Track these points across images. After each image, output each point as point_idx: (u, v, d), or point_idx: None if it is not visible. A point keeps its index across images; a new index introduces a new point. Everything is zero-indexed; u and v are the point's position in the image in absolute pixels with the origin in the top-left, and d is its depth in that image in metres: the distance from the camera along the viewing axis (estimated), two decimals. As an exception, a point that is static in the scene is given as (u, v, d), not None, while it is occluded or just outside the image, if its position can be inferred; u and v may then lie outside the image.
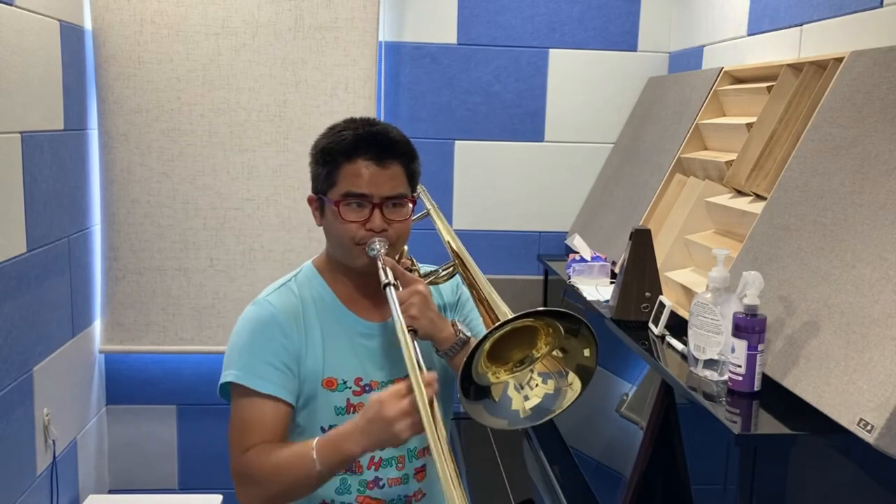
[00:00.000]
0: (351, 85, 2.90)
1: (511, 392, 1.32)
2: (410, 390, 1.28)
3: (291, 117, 2.90)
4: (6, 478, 2.22)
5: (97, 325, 2.94)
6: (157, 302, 2.93)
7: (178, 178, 2.88)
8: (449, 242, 1.64)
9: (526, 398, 1.32)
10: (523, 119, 3.10)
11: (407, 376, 1.48)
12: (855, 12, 1.83)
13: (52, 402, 2.50)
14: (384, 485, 1.55)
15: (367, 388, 1.53)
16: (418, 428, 1.28)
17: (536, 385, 1.32)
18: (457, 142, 3.09)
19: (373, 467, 1.54)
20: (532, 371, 1.32)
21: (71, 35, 2.63)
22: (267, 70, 2.87)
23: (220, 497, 2.78)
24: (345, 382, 1.52)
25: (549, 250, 3.16)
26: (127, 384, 3.04)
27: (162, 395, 3.06)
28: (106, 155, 2.85)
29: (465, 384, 1.26)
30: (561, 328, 1.29)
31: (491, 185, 3.12)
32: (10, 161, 2.20)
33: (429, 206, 1.79)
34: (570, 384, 1.31)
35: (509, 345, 1.30)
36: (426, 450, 1.59)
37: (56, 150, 2.51)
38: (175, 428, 3.09)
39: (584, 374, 1.30)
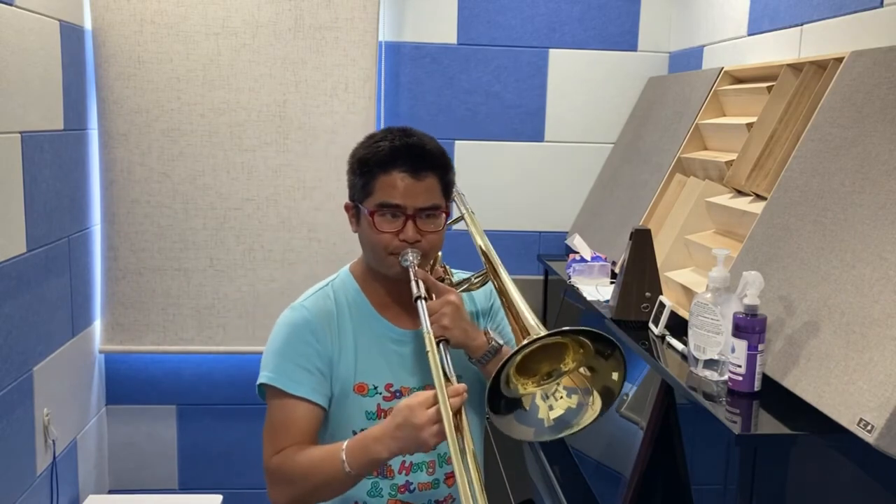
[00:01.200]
0: (351, 85, 2.90)
1: (538, 401, 1.34)
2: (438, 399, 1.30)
3: (291, 117, 2.90)
4: (6, 478, 2.22)
5: (97, 325, 2.94)
6: (157, 302, 2.93)
7: (178, 178, 2.88)
8: (482, 248, 1.65)
9: (551, 408, 1.34)
10: (523, 119, 3.10)
11: None
12: (855, 12, 1.83)
13: (52, 402, 2.50)
14: (414, 489, 1.57)
15: (397, 394, 1.55)
16: (445, 437, 1.29)
17: (561, 397, 1.34)
18: (457, 142, 3.09)
19: (404, 472, 1.56)
20: (559, 384, 1.34)
21: (71, 35, 2.63)
22: (267, 70, 2.87)
23: (220, 497, 2.78)
24: (375, 388, 1.55)
25: (549, 250, 3.16)
26: (127, 384, 3.04)
27: (162, 395, 3.06)
28: (106, 155, 2.85)
29: (492, 398, 1.28)
30: (592, 347, 1.30)
31: (491, 185, 3.12)
32: (10, 161, 2.20)
33: (463, 211, 1.82)
34: (592, 403, 1.33)
35: (537, 357, 1.32)
36: None
37: (56, 150, 2.51)
38: (175, 428, 3.09)
39: (608, 397, 1.32)
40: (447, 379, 1.31)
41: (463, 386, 1.31)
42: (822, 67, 1.83)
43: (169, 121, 2.86)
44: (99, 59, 2.81)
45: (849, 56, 1.70)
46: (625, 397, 2.00)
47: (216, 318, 2.95)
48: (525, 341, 1.26)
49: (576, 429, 1.33)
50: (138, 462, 3.08)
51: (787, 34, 2.14)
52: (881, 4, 1.74)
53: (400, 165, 1.49)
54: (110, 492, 3.07)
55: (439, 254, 1.63)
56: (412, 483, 1.57)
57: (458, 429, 1.27)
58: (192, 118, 2.86)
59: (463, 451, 1.23)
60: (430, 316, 1.43)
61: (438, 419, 1.28)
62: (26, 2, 2.28)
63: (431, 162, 1.52)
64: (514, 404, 1.32)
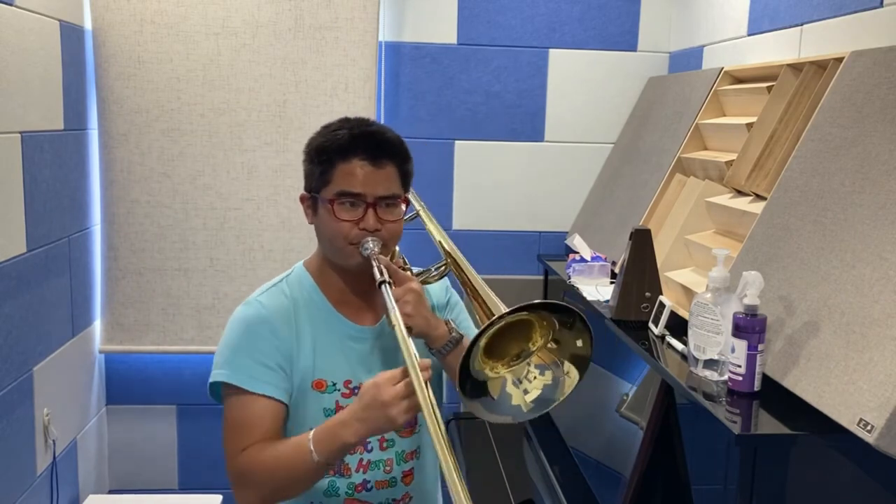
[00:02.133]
0: (351, 85, 2.90)
1: (510, 388, 1.32)
2: (404, 375, 1.28)
3: (291, 117, 2.90)
4: (6, 478, 2.22)
5: (97, 325, 2.94)
6: (157, 302, 2.93)
7: (178, 178, 2.88)
8: (440, 242, 1.65)
9: (526, 392, 1.32)
10: (523, 119, 3.10)
11: None
12: (855, 12, 1.83)
13: (52, 402, 2.50)
14: (372, 487, 1.55)
15: (355, 391, 1.53)
16: (413, 411, 1.28)
17: (535, 378, 1.32)
18: (457, 142, 3.09)
19: (361, 470, 1.55)
20: (529, 364, 1.33)
21: (71, 35, 2.63)
22: (267, 70, 2.87)
23: (219, 497, 2.78)
24: (334, 384, 1.53)
25: (549, 250, 3.16)
26: (127, 384, 3.04)
27: (162, 395, 3.06)
28: (106, 155, 2.85)
29: (463, 381, 1.26)
30: (555, 321, 1.29)
31: (491, 185, 3.12)
32: (10, 161, 2.20)
33: (418, 208, 1.80)
34: (567, 373, 1.31)
35: (505, 339, 1.31)
36: (414, 453, 1.61)
37: (56, 150, 2.51)
38: (175, 428, 3.09)
39: (580, 363, 1.30)
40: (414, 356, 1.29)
41: (427, 361, 1.30)
42: (822, 67, 1.83)
43: (169, 121, 2.86)
44: (99, 59, 2.81)
45: (849, 56, 1.70)
46: (625, 397, 2.00)
47: (216, 318, 2.95)
48: (497, 315, 1.25)
49: (560, 400, 1.32)
50: (138, 462, 3.08)
51: (787, 34, 2.14)
52: (881, 4, 1.74)
53: (360, 153, 1.47)
54: (110, 492, 3.07)
55: (397, 248, 1.61)
56: (369, 481, 1.55)
57: (430, 402, 1.25)
58: (192, 118, 2.86)
59: (438, 423, 1.22)
60: None
61: (406, 394, 1.27)
62: (26, 2, 2.28)
63: (391, 150, 1.50)
64: (483, 390, 1.31)
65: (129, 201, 2.88)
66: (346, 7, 2.87)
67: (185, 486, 3.12)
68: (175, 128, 2.86)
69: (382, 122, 2.99)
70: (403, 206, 1.54)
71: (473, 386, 1.29)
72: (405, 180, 1.54)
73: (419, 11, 3.01)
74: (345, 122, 1.53)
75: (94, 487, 2.93)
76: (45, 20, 2.42)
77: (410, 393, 1.27)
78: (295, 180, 2.92)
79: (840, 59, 1.74)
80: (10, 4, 2.18)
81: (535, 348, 1.32)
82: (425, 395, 1.24)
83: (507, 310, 1.26)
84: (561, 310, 1.27)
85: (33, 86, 2.33)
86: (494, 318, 1.25)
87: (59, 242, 2.56)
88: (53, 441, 2.49)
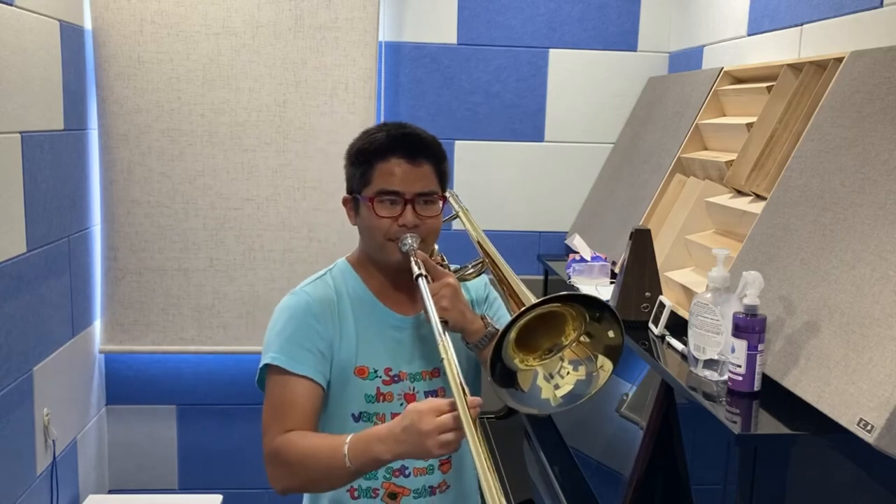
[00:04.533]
0: (351, 85, 2.90)
1: (540, 382, 1.34)
2: (451, 408, 1.27)
3: (291, 117, 2.90)
4: (6, 478, 2.22)
5: (97, 325, 2.94)
6: (157, 302, 2.93)
7: (178, 178, 2.88)
8: (479, 242, 1.70)
9: (557, 387, 1.34)
10: (523, 119, 3.10)
11: (436, 369, 1.57)
12: (855, 12, 1.83)
13: (52, 402, 2.50)
14: (409, 473, 1.58)
15: (395, 379, 1.57)
16: (450, 447, 1.28)
17: (568, 373, 1.34)
18: (457, 142, 3.09)
19: None
20: (562, 360, 1.34)
21: (71, 35, 2.63)
22: (267, 70, 2.87)
23: (220, 497, 2.78)
24: (375, 371, 1.56)
25: (549, 250, 3.16)
26: (127, 384, 3.04)
27: (162, 395, 3.06)
28: (106, 155, 2.85)
29: (493, 367, 1.28)
30: (586, 314, 1.31)
31: (491, 185, 3.12)
32: (10, 161, 2.20)
33: (458, 209, 1.86)
34: (601, 367, 1.33)
35: (538, 333, 1.33)
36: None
37: (56, 150, 2.51)
38: (175, 428, 3.09)
39: (613, 354, 1.32)
40: (463, 390, 1.28)
41: (479, 399, 1.28)
42: (822, 67, 1.83)
43: (169, 121, 2.86)
44: (99, 59, 2.81)
45: (849, 56, 1.70)
46: (624, 397, 2.00)
47: (216, 318, 2.95)
48: (527, 306, 1.26)
49: (592, 393, 1.33)
50: (138, 462, 3.08)
51: (787, 34, 2.14)
52: (881, 4, 1.74)
53: (397, 153, 1.52)
54: (110, 492, 3.07)
55: (436, 246, 1.66)
56: (407, 468, 1.57)
57: (476, 440, 1.23)
58: (192, 118, 2.86)
59: (483, 462, 1.20)
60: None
61: (445, 429, 1.27)
62: (26, 2, 2.28)
63: (427, 150, 1.55)
64: (513, 381, 1.32)
65: (129, 201, 2.88)
66: (346, 7, 2.87)
67: (185, 486, 3.12)
68: (175, 128, 2.86)
69: (382, 122, 3.02)
70: (441, 204, 1.58)
71: (503, 373, 1.30)
72: (442, 179, 1.59)
73: (419, 11, 3.01)
74: (383, 126, 1.59)
75: (94, 487, 2.93)
76: (45, 20, 2.42)
77: (452, 428, 1.26)
78: (295, 180, 2.92)
79: (840, 59, 1.74)
80: (10, 4, 2.18)
81: (567, 342, 1.34)
82: (473, 434, 1.21)
83: (538, 300, 1.28)
84: (590, 302, 1.29)
85: (33, 86, 2.33)
86: (526, 307, 1.27)
87: (59, 242, 2.56)
88: (53, 441, 2.49)
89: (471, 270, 1.68)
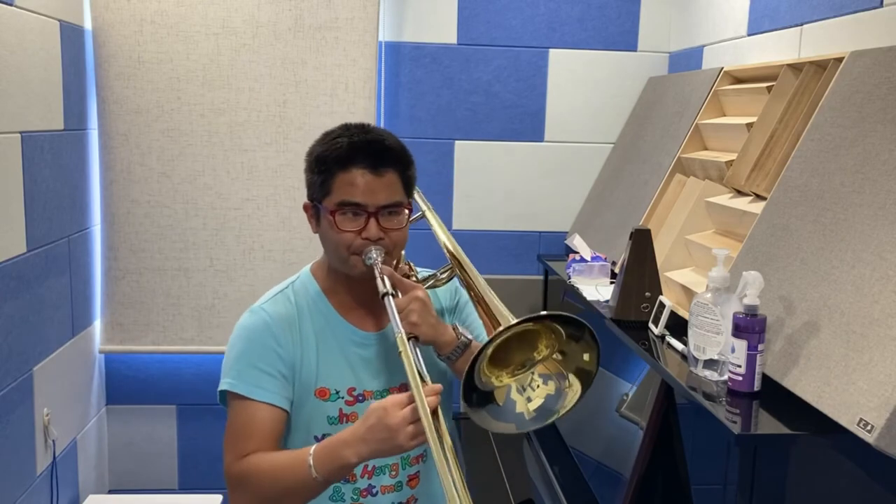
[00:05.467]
0: (351, 85, 2.90)
1: (514, 395, 1.30)
2: (413, 400, 1.26)
3: (291, 117, 2.90)
4: (6, 478, 2.22)
5: (97, 325, 2.94)
6: (157, 302, 2.93)
7: (178, 178, 2.88)
8: (445, 244, 1.62)
9: (529, 399, 1.30)
10: (523, 119, 3.10)
11: (404, 384, 1.49)
12: (855, 12, 1.83)
13: (52, 402, 2.50)
14: (377, 492, 1.55)
15: (360, 398, 1.53)
16: (420, 438, 1.25)
17: (538, 386, 1.30)
18: (457, 142, 3.09)
19: (366, 476, 1.54)
20: (533, 373, 1.31)
21: (71, 35, 2.63)
22: (267, 70, 2.87)
23: (219, 497, 2.78)
24: (337, 392, 1.52)
25: (549, 250, 3.16)
26: (127, 384, 3.04)
27: (162, 395, 3.06)
28: (106, 155, 2.85)
29: (467, 392, 1.24)
30: (563, 332, 1.27)
31: (491, 185, 3.12)
32: (10, 161, 2.20)
33: (424, 208, 1.78)
34: (570, 385, 1.29)
35: (510, 347, 1.29)
36: (420, 457, 1.59)
37: (56, 150, 2.51)
38: (175, 428, 3.09)
39: (585, 377, 1.28)
40: (422, 379, 1.26)
41: (439, 386, 1.27)
42: (822, 67, 1.83)
43: (169, 121, 2.86)
44: (99, 59, 2.81)
45: (849, 56, 1.70)
46: (625, 397, 2.00)
47: (216, 318, 2.95)
48: (501, 328, 1.22)
49: (561, 413, 1.29)
50: (138, 462, 3.08)
51: (787, 34, 2.14)
52: (881, 4, 1.74)
53: (359, 162, 1.45)
54: (110, 492, 3.07)
55: (402, 252, 1.59)
56: (374, 487, 1.54)
57: (437, 429, 1.22)
58: (192, 118, 2.86)
59: (444, 451, 1.19)
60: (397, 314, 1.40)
61: (414, 419, 1.24)
62: (26, 2, 2.28)
63: (391, 158, 1.48)
64: (488, 398, 1.28)
65: (129, 201, 2.88)
66: (346, 7, 2.87)
67: (185, 486, 3.12)
68: (175, 128, 2.86)
69: (382, 122, 3.02)
70: (407, 213, 1.52)
71: (478, 396, 1.27)
72: (408, 186, 1.52)
73: (419, 11, 3.01)
74: (344, 130, 1.51)
75: (94, 487, 2.93)
76: (45, 20, 2.42)
77: (418, 418, 1.24)
78: (295, 180, 2.92)
79: (840, 59, 1.74)
80: (10, 4, 2.18)
81: (540, 357, 1.30)
82: (432, 428, 1.20)
83: (513, 321, 1.23)
84: (569, 322, 1.25)
85: (33, 86, 2.33)
86: (499, 330, 1.23)
87: (59, 242, 2.56)
88: (53, 441, 2.49)
89: (441, 277, 1.62)
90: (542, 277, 3.13)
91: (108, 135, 2.84)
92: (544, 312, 1.25)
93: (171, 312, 2.94)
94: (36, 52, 2.35)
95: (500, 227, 3.14)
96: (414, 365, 1.29)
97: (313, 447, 1.36)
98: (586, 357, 1.27)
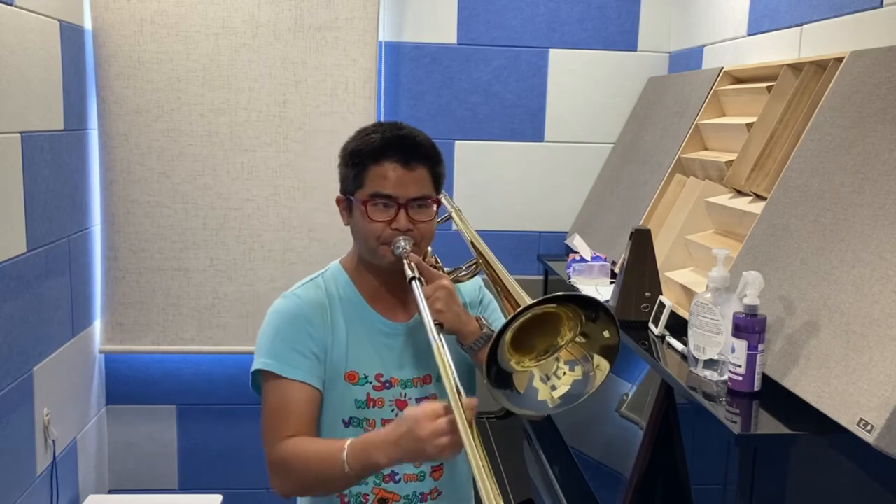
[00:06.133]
0: (351, 85, 2.90)
1: (537, 384, 1.32)
2: (447, 412, 1.27)
3: (291, 117, 2.90)
4: (6, 478, 2.22)
5: (97, 325, 2.94)
6: (157, 302, 2.93)
7: (178, 178, 2.88)
8: (472, 242, 1.67)
9: (553, 388, 1.32)
10: (523, 119, 3.10)
11: (428, 376, 1.55)
12: (855, 12, 1.83)
13: (52, 402, 2.50)
14: (400, 479, 1.57)
15: (386, 385, 1.56)
16: (448, 451, 1.27)
17: (564, 374, 1.32)
18: (457, 142, 3.09)
19: None
20: (558, 360, 1.32)
21: (71, 35, 2.63)
22: (267, 70, 2.87)
23: (220, 497, 2.78)
24: (366, 377, 1.56)
25: (549, 250, 3.16)
26: (127, 384, 3.04)
27: (162, 395, 3.06)
28: (106, 155, 2.85)
29: (489, 369, 1.26)
30: (581, 314, 1.29)
31: (491, 185, 3.12)
32: (10, 161, 2.20)
33: (451, 209, 1.84)
34: (598, 366, 1.31)
35: (533, 334, 1.31)
36: None
37: (56, 150, 2.51)
38: (175, 428, 3.09)
39: (609, 353, 1.30)
40: (459, 393, 1.27)
41: (475, 400, 1.28)
42: (822, 67, 1.83)
43: (169, 121, 2.86)
44: (99, 59, 2.81)
45: (849, 56, 1.70)
46: (625, 397, 2.00)
47: (216, 318, 2.95)
48: (522, 307, 1.24)
49: (588, 394, 1.31)
50: (138, 462, 3.08)
51: (787, 34, 2.14)
52: (881, 4, 1.74)
53: (391, 156, 1.50)
54: (110, 492, 3.07)
55: (429, 248, 1.64)
56: (397, 473, 1.57)
57: (473, 443, 1.21)
58: (192, 118, 2.86)
59: (481, 467, 1.18)
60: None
61: (443, 433, 1.26)
62: (26, 2, 2.28)
63: (422, 153, 1.53)
64: (509, 383, 1.30)
65: (129, 201, 2.88)
66: (346, 7, 2.87)
67: (185, 486, 3.12)
68: (175, 128, 2.86)
69: (378, 121, 3.01)
70: (435, 207, 1.57)
71: (499, 375, 1.28)
72: (437, 182, 1.57)
73: (419, 11, 3.01)
74: (378, 127, 1.57)
75: (94, 487, 2.93)
76: (45, 20, 2.42)
77: (450, 431, 1.26)
78: (295, 180, 2.92)
79: (840, 59, 1.74)
80: (10, 4, 2.18)
81: (563, 343, 1.32)
82: (469, 437, 1.20)
83: (533, 301, 1.26)
84: (585, 303, 1.27)
85: (33, 86, 2.33)
86: (522, 308, 1.25)
87: (59, 242, 2.56)
88: (53, 441, 2.49)
89: (465, 272, 1.67)
90: (542, 277, 3.13)
91: (108, 135, 2.84)
92: (562, 293, 1.25)
93: (171, 312, 2.94)
94: (36, 52, 2.35)
95: (500, 227, 3.14)
96: (451, 378, 1.28)
97: (348, 442, 1.38)
98: (606, 334, 1.29)
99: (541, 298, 1.26)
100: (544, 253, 3.15)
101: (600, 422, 2.09)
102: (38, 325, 2.39)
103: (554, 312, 1.30)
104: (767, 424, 1.44)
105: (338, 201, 1.61)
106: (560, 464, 2.19)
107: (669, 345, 1.84)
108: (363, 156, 1.52)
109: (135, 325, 2.93)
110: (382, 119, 3.03)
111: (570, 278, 2.49)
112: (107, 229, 2.89)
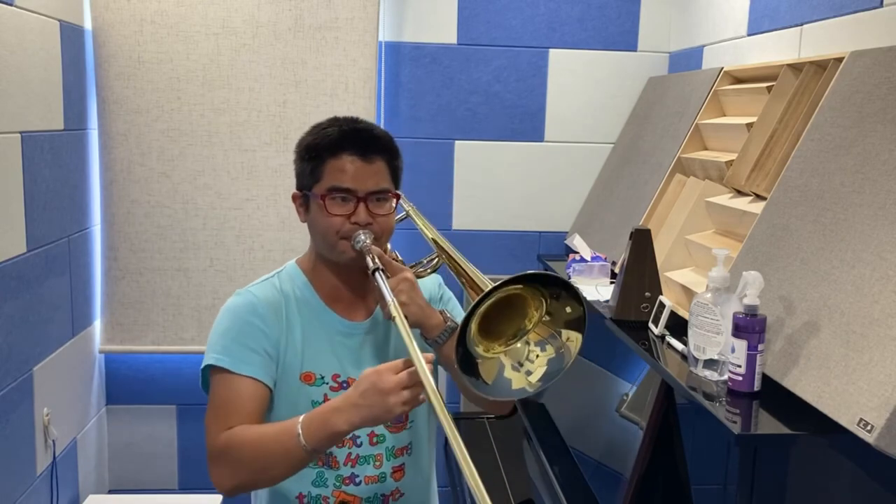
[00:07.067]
0: (351, 85, 2.90)
1: (509, 373, 1.30)
2: (406, 365, 1.27)
3: (291, 117, 2.90)
4: (6, 478, 2.22)
5: (97, 325, 2.94)
6: (157, 302, 2.93)
7: (178, 178, 2.88)
8: (433, 239, 1.66)
9: (529, 373, 1.31)
10: (523, 119, 3.10)
11: None
12: (855, 12, 1.83)
13: (52, 402, 2.50)
14: (360, 482, 1.55)
15: (344, 385, 1.54)
16: (412, 402, 1.27)
17: (537, 356, 1.31)
18: (457, 142, 3.09)
19: (349, 463, 1.55)
20: (528, 343, 1.31)
21: (71, 35, 2.63)
22: (267, 70, 2.87)
23: (220, 497, 2.78)
24: (322, 377, 1.54)
25: (549, 250, 3.16)
26: (127, 384, 3.04)
27: (162, 395, 3.06)
28: (106, 155, 2.85)
29: (459, 358, 1.25)
30: (545, 293, 1.28)
31: (491, 185, 3.12)
32: (10, 161, 2.20)
33: (407, 208, 1.81)
34: (568, 339, 1.30)
35: (501, 319, 1.30)
36: (405, 449, 1.61)
37: (56, 150, 2.51)
38: (175, 428, 3.09)
39: (577, 325, 1.29)
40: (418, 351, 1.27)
41: (431, 355, 1.29)
42: (822, 67, 1.83)
43: (169, 121, 2.86)
44: (99, 59, 2.81)
45: (849, 56, 1.70)
46: (625, 397, 2.00)
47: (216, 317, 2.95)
48: (487, 290, 1.23)
49: (567, 367, 1.30)
50: (138, 462, 3.08)
51: (786, 34, 2.14)
52: (881, 4, 1.74)
53: (349, 149, 1.49)
54: (110, 492, 3.07)
55: (389, 244, 1.62)
56: (358, 476, 1.55)
57: (434, 391, 1.22)
58: (192, 118, 2.86)
59: (445, 412, 1.17)
60: None
61: (407, 384, 1.26)
62: (26, 2, 2.28)
63: (380, 146, 1.52)
64: (479, 370, 1.29)
65: (129, 201, 2.88)
66: (346, 7, 2.87)
67: (185, 487, 3.12)
68: (175, 128, 2.86)
69: (382, 122, 3.02)
70: (395, 201, 1.55)
71: (469, 363, 1.27)
72: (395, 175, 1.56)
73: (419, 11, 3.01)
74: (334, 121, 1.56)
75: (94, 487, 2.93)
76: (45, 20, 2.42)
77: (412, 383, 1.26)
78: (295, 180, 2.91)
79: (840, 59, 1.74)
80: (10, 4, 2.18)
81: (531, 326, 1.31)
82: (430, 381, 1.21)
83: (496, 284, 1.25)
84: (546, 280, 1.26)
85: (33, 86, 2.33)
86: (487, 290, 1.24)
87: (59, 242, 2.56)
88: (53, 441, 2.49)
89: (426, 266, 1.66)
90: (542, 277, 3.12)
91: (108, 135, 2.84)
92: (525, 272, 1.24)
93: (171, 312, 2.94)
94: (36, 52, 2.35)
95: (500, 227, 3.14)
96: (405, 324, 1.29)
97: (302, 416, 1.35)
98: (569, 309, 1.28)
99: (504, 280, 1.24)
100: (544, 253, 3.15)
101: (600, 422, 2.09)
102: (38, 325, 2.39)
103: (519, 295, 1.29)
104: (767, 424, 1.44)
105: (294, 198, 1.59)
106: (560, 464, 2.19)
107: (669, 345, 1.84)
108: (320, 149, 1.51)
109: (135, 325, 2.93)
110: (383, 118, 3.03)
111: (570, 278, 2.49)
112: (107, 229, 2.89)
